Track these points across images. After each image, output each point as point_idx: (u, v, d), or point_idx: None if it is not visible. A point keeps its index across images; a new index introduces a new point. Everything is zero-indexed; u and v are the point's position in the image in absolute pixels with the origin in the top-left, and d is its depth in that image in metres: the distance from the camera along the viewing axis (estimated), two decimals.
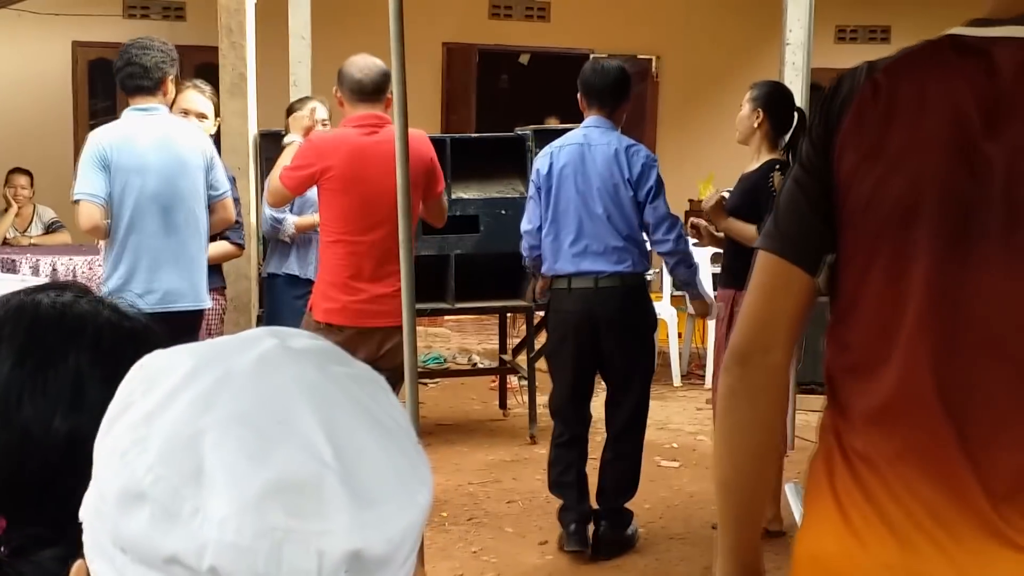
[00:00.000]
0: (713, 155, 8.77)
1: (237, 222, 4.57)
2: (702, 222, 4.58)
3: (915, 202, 1.31)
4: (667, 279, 7.65)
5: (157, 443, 0.61)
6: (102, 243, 4.25)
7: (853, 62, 1.44)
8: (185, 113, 4.64)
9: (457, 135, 6.59)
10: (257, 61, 4.95)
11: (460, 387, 7.26)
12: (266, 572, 0.58)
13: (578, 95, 4.31)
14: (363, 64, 4.06)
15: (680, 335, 7.53)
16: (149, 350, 0.69)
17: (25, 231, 7.26)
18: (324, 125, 5.09)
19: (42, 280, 5.12)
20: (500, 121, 8.00)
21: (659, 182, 4.20)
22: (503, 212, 5.81)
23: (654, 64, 10.61)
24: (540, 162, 4.31)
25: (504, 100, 10.98)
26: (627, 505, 4.43)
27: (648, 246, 4.37)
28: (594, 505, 4.39)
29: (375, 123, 4.05)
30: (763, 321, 1.41)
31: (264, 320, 5.39)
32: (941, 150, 1.30)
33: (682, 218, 4.66)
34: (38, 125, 9.30)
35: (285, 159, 4.47)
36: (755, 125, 4.34)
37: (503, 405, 6.65)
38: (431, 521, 4.60)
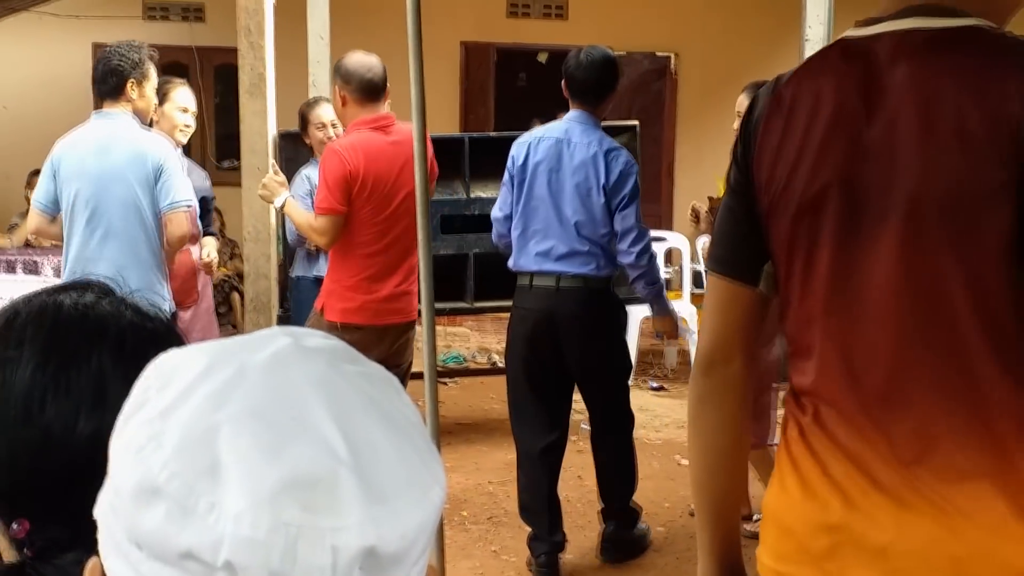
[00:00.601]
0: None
1: (211, 232, 4.64)
2: (702, 207, 4.54)
3: (817, 196, 1.40)
4: (687, 277, 7.65)
5: (172, 439, 0.61)
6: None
7: None
8: (184, 111, 4.76)
9: (475, 134, 6.59)
10: (276, 61, 4.97)
11: (480, 386, 7.27)
12: (281, 567, 0.59)
13: (562, 82, 4.20)
14: (368, 63, 4.03)
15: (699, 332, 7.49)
16: None
17: None
18: (334, 127, 5.10)
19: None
20: (518, 120, 7.98)
21: (634, 191, 4.02)
22: None
23: (673, 61, 10.59)
24: (516, 150, 4.15)
25: (522, 99, 10.95)
26: (642, 504, 4.41)
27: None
28: (599, 505, 4.37)
29: (388, 123, 4.06)
30: (720, 335, 1.55)
31: (286, 321, 5.41)
32: (835, 143, 1.38)
33: (703, 212, 4.57)
34: (59, 127, 9.30)
35: (297, 214, 4.20)
36: None
37: None
38: (451, 520, 4.62)
